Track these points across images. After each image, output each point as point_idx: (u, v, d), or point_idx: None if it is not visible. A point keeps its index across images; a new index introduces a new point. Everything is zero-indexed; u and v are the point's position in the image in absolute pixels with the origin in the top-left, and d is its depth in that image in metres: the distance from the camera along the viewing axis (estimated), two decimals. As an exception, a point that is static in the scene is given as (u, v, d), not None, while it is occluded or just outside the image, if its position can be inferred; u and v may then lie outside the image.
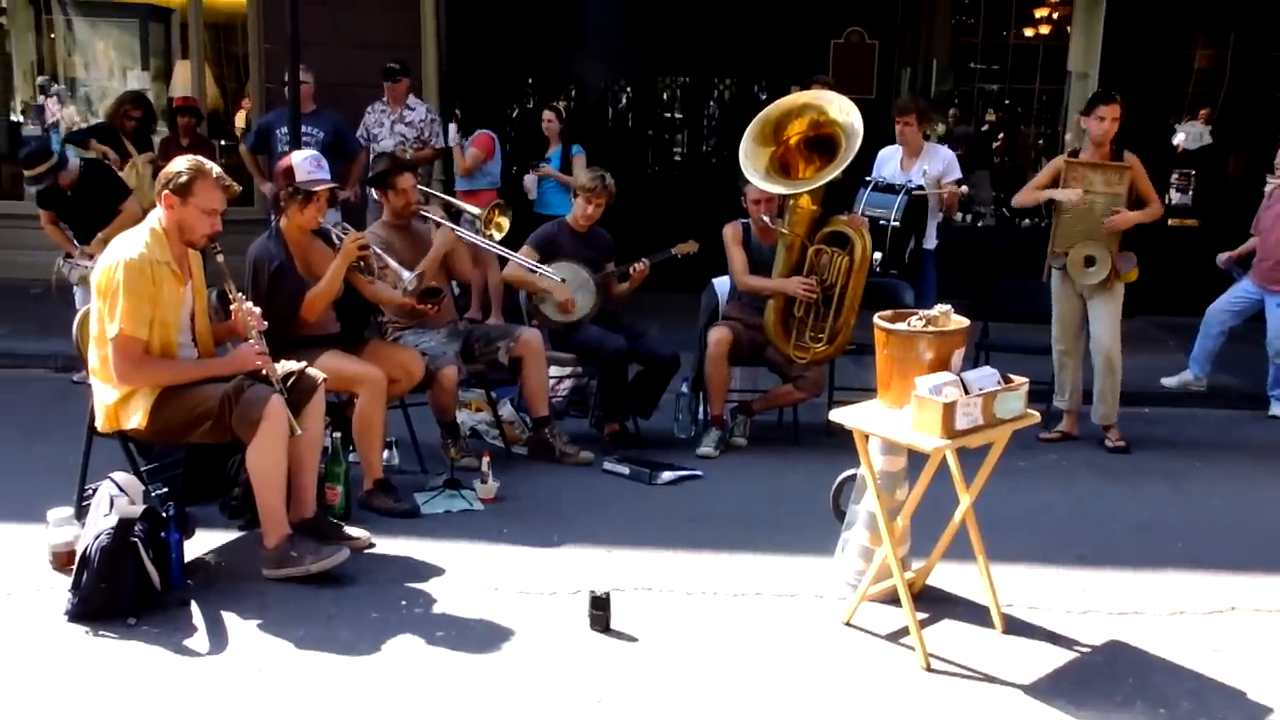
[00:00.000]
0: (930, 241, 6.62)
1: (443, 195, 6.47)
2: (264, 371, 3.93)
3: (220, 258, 3.99)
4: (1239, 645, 3.71)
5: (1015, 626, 3.78)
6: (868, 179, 6.31)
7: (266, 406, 3.79)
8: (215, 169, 3.95)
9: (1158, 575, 4.26)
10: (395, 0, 8.76)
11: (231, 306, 4.06)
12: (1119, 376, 5.87)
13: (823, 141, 5.41)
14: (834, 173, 5.30)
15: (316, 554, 3.91)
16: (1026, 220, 9.64)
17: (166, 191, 3.88)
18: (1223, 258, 7.02)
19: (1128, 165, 5.69)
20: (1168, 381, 6.97)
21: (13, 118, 9.85)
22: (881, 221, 5.99)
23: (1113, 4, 8.82)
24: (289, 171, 4.59)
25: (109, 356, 3.81)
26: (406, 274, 4.83)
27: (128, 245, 3.85)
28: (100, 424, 3.99)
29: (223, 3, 9.59)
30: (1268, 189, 7.05)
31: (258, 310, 4.05)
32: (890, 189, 6.17)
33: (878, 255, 5.86)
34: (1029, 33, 9.75)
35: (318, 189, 4.59)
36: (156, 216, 3.93)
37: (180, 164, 3.92)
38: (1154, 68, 8.78)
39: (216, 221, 3.95)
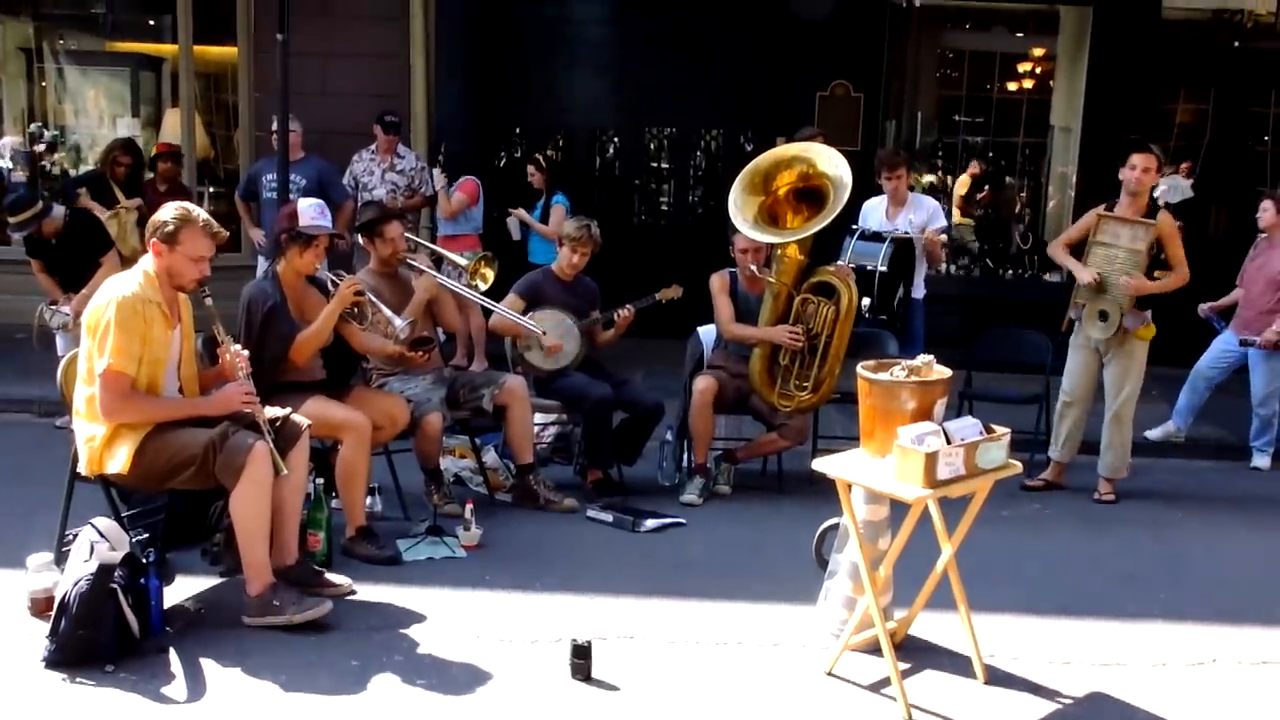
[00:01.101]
0: (919, 290, 6.68)
1: (430, 245, 6.51)
2: (250, 412, 3.94)
3: (209, 301, 4.03)
4: (1221, 697, 3.71)
5: (997, 677, 3.77)
6: (854, 227, 6.38)
7: (250, 454, 3.79)
8: (202, 216, 3.99)
9: (1140, 626, 4.26)
10: (385, 50, 8.85)
11: (219, 349, 4.08)
12: (1127, 431, 5.88)
13: (811, 193, 5.47)
14: (822, 223, 5.35)
15: (299, 604, 3.89)
16: (1010, 272, 9.74)
17: (154, 240, 3.92)
18: (1204, 308, 7.08)
19: (1152, 223, 5.59)
20: (1151, 434, 7.00)
21: (2, 164, 9.88)
22: (869, 267, 6.04)
23: (1095, 58, 8.97)
24: (292, 215, 4.67)
25: (96, 392, 3.82)
26: (399, 321, 4.85)
27: (121, 284, 3.89)
28: (83, 467, 3.98)
29: (213, 52, 9.68)
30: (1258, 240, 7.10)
31: (245, 353, 4.07)
32: (876, 237, 6.24)
33: (866, 301, 5.90)
34: (1012, 86, 9.91)
35: (318, 234, 4.65)
36: (149, 259, 3.97)
37: (167, 212, 3.96)
38: (1135, 121, 8.90)
39: (204, 267, 3.99)
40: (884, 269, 6.08)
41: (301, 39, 7.26)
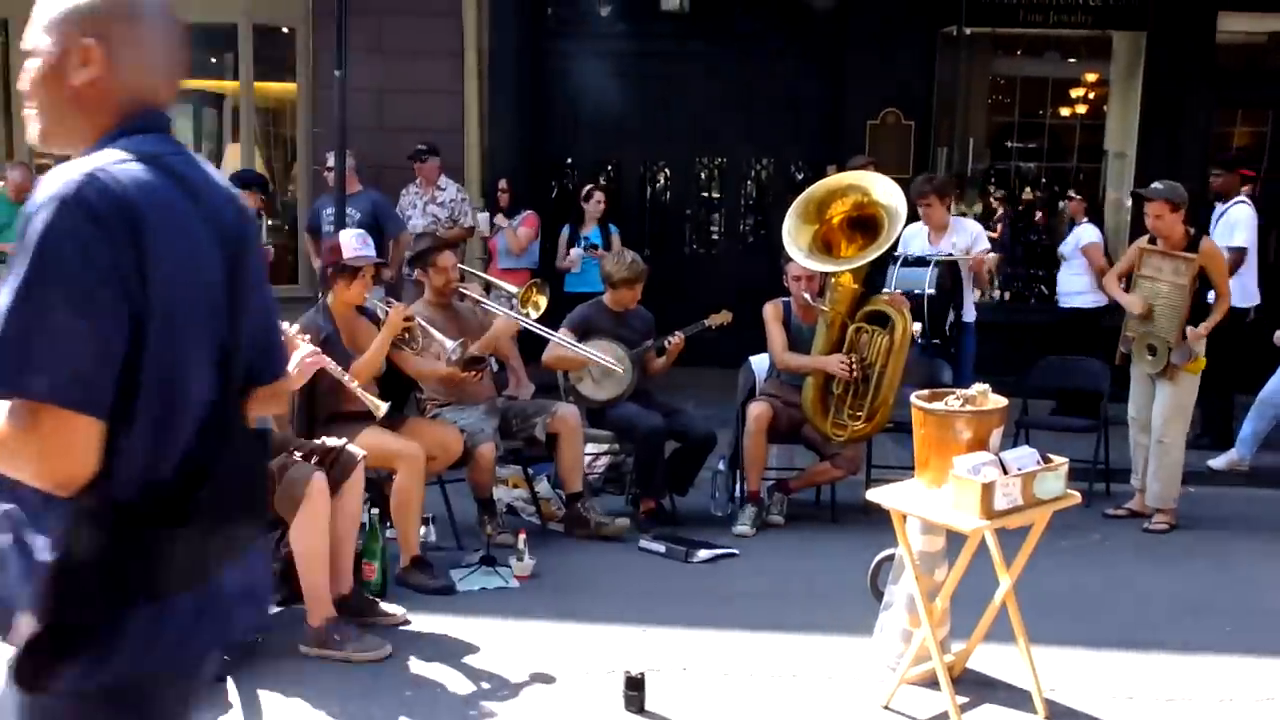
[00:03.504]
0: (969, 314, 6.61)
1: (481, 274, 6.56)
2: (326, 368, 4.04)
3: None
4: (1292, 734, 3.61)
5: (1059, 712, 3.70)
6: (896, 255, 6.34)
7: (309, 485, 3.84)
8: None
9: (1206, 659, 4.16)
10: (440, 86, 8.98)
11: None
12: (1174, 459, 5.76)
13: (865, 221, 5.46)
14: (877, 252, 5.35)
15: (359, 643, 3.93)
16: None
17: None
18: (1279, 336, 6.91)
19: (1194, 257, 5.56)
20: (1214, 462, 6.86)
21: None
22: (916, 291, 6.00)
23: (1149, 83, 8.88)
24: (335, 249, 4.74)
25: None
26: (450, 343, 4.90)
27: None
28: None
29: (273, 88, 9.90)
30: None
31: (293, 328, 4.12)
32: (920, 261, 6.20)
33: (918, 326, 5.85)
34: (1065, 112, 9.82)
35: (362, 265, 4.72)
36: None
37: None
38: (1193, 146, 8.80)
39: None
40: (932, 292, 6.03)
41: (359, 75, 7.38)
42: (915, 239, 6.67)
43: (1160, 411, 5.75)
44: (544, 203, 9.21)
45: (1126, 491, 6.11)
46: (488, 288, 6.78)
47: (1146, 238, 5.82)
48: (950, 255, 6.28)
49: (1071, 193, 8.35)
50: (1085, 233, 7.72)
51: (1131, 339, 5.78)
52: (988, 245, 6.56)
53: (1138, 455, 5.97)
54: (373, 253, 4.84)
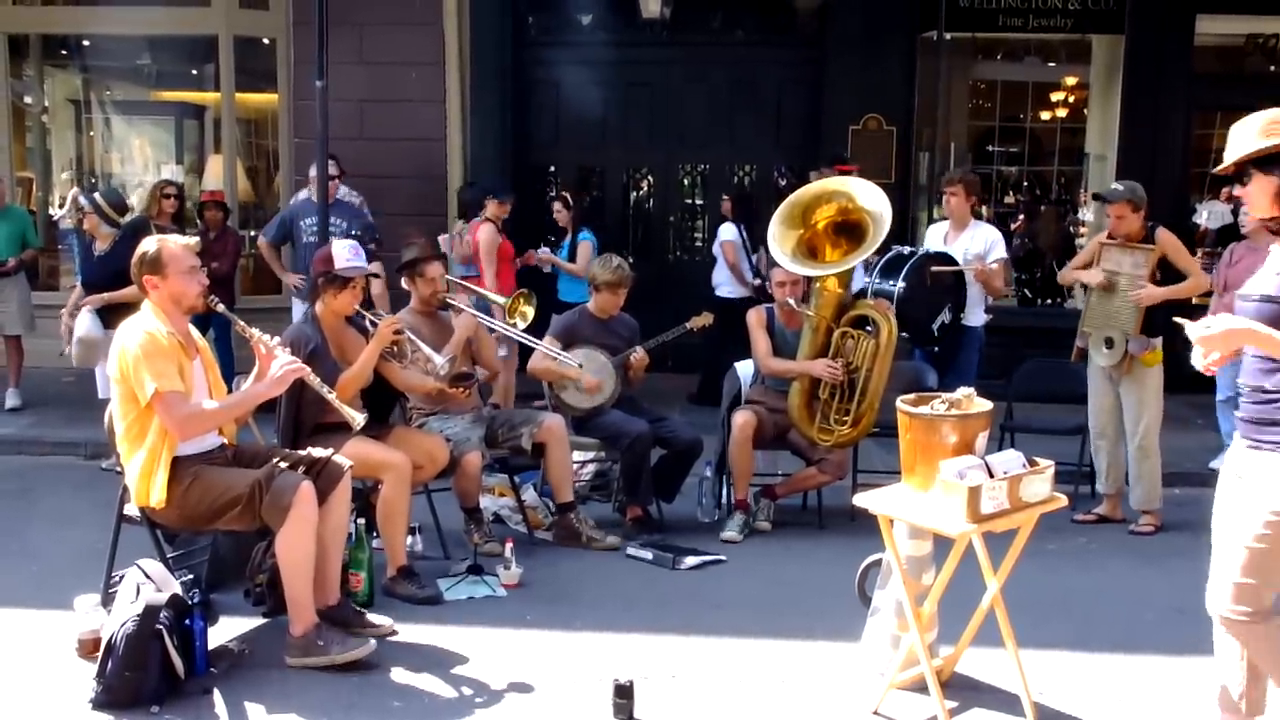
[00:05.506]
0: (977, 319, 6.54)
1: (468, 285, 6.54)
2: (305, 380, 4.01)
3: (220, 308, 4.14)
4: (1279, 733, 3.62)
5: (1048, 716, 3.70)
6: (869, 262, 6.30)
7: (297, 494, 3.82)
8: (169, 236, 4.12)
9: (1195, 661, 4.15)
10: (422, 95, 8.99)
11: (251, 343, 4.09)
12: (1154, 461, 5.77)
13: (850, 227, 5.46)
14: (861, 257, 5.35)
15: (343, 644, 3.91)
16: (1049, 300, 9.67)
17: (145, 275, 3.96)
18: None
19: (1152, 247, 5.60)
20: (1215, 464, 6.90)
21: (51, 213, 10.10)
22: (889, 287, 5.96)
23: (1128, 86, 8.94)
24: (327, 258, 4.71)
25: (161, 420, 3.83)
26: (439, 358, 4.88)
27: (133, 326, 3.93)
28: (133, 499, 4.01)
29: (254, 99, 9.88)
30: (1231, 246, 6.97)
31: (275, 340, 4.11)
32: (898, 260, 6.10)
33: (894, 284, 5.74)
34: (1046, 116, 9.89)
35: (353, 276, 4.70)
36: (148, 303, 4.00)
37: (143, 247, 4.01)
38: (1172, 148, 8.86)
39: (201, 276, 4.07)
40: (903, 285, 5.96)
41: (340, 85, 7.38)
42: (933, 237, 6.64)
43: (1131, 415, 5.76)
44: (527, 211, 9.20)
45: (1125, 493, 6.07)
46: (476, 298, 6.78)
47: (1105, 233, 5.87)
48: (934, 252, 6.26)
49: (724, 196, 8.86)
50: (723, 231, 8.36)
51: (1089, 334, 5.78)
52: (1003, 255, 6.47)
53: (1099, 459, 5.96)
54: (364, 264, 4.83)
